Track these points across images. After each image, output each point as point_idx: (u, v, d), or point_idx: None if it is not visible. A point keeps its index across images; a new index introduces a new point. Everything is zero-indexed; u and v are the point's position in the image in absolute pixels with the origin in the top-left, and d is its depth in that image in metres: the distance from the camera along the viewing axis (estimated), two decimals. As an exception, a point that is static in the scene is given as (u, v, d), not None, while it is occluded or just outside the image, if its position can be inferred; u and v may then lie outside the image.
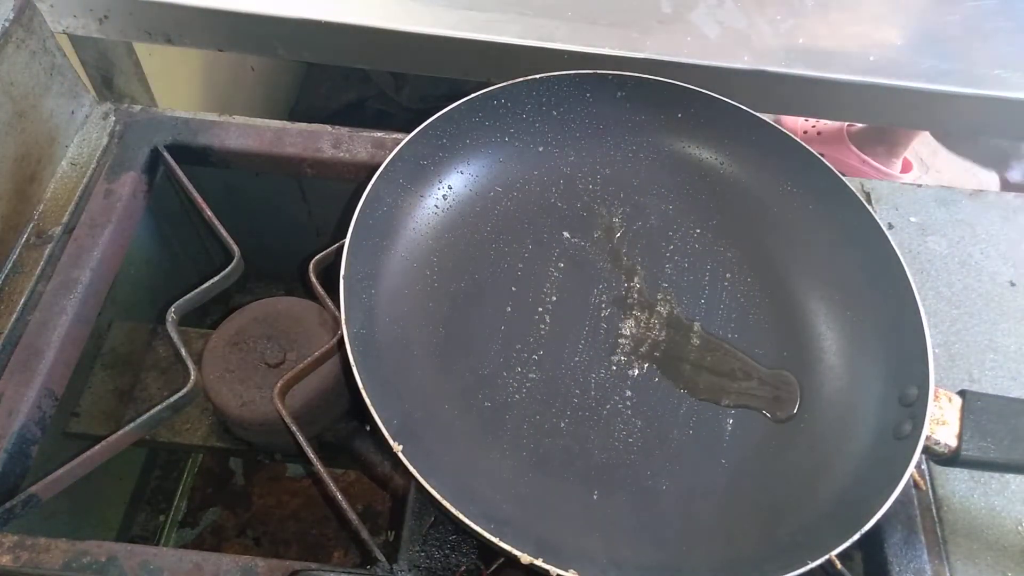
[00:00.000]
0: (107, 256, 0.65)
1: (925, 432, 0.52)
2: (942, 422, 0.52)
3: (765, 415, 0.59)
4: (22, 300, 0.62)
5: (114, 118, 0.72)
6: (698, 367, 0.61)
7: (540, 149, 0.68)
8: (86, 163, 0.69)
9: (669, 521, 0.55)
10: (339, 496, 0.53)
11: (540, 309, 0.62)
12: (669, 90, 0.67)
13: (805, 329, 0.62)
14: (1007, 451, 0.51)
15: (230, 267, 0.64)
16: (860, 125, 1.57)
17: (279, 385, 0.58)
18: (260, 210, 0.81)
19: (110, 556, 0.52)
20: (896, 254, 0.59)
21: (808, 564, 0.47)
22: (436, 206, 0.65)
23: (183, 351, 0.60)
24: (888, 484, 0.50)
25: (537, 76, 0.66)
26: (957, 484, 0.58)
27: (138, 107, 0.74)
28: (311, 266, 0.61)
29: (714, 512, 0.55)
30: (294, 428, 0.56)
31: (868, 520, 0.48)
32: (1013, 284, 0.68)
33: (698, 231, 0.67)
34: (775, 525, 0.54)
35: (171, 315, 0.61)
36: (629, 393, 0.59)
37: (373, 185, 0.59)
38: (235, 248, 0.65)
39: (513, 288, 0.63)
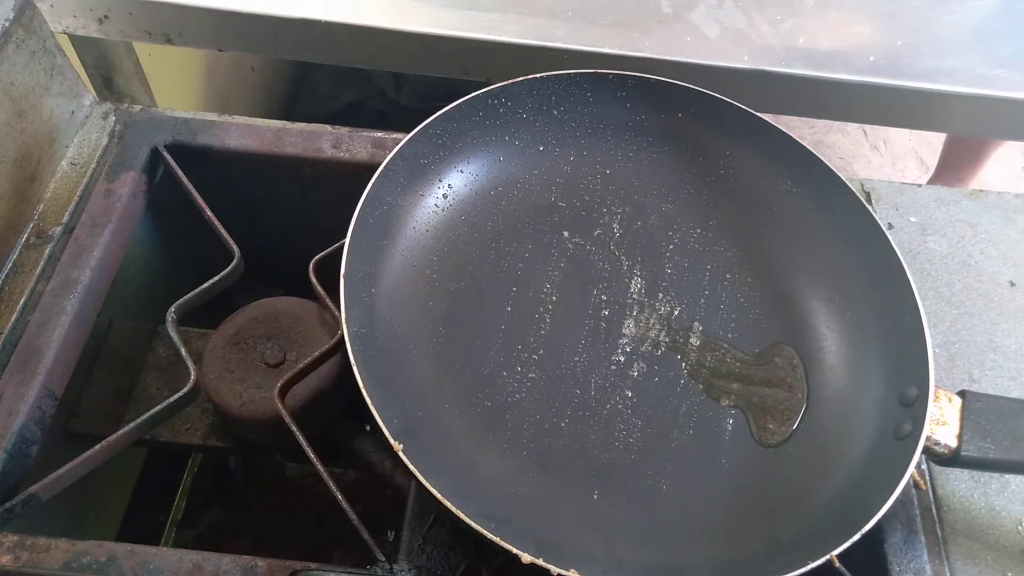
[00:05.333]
0: (107, 256, 0.65)
1: (925, 432, 0.52)
2: (942, 422, 0.52)
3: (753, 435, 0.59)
4: (22, 300, 0.62)
5: (114, 118, 0.72)
6: (698, 367, 0.61)
7: (540, 149, 0.68)
8: (86, 163, 0.69)
9: (669, 521, 0.55)
10: (339, 496, 0.54)
11: (540, 309, 0.62)
12: (669, 90, 0.67)
13: (805, 330, 0.62)
14: (1007, 451, 0.51)
15: (230, 267, 0.64)
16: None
17: (279, 385, 0.58)
18: (260, 210, 0.81)
19: (110, 556, 0.52)
20: (896, 254, 0.59)
21: (808, 564, 0.47)
22: (436, 205, 0.65)
23: (183, 351, 0.60)
24: (888, 484, 0.50)
25: (537, 76, 0.66)
26: (957, 484, 0.58)
27: (138, 107, 0.73)
28: (311, 266, 0.61)
29: (714, 512, 0.55)
30: (295, 428, 0.56)
31: (868, 520, 0.48)
32: (1013, 284, 0.68)
33: (698, 231, 0.67)
34: (775, 525, 0.54)
35: (171, 315, 0.61)
36: (629, 393, 0.59)
37: (373, 184, 0.59)
38: (235, 248, 0.65)
39: (513, 288, 0.63)
